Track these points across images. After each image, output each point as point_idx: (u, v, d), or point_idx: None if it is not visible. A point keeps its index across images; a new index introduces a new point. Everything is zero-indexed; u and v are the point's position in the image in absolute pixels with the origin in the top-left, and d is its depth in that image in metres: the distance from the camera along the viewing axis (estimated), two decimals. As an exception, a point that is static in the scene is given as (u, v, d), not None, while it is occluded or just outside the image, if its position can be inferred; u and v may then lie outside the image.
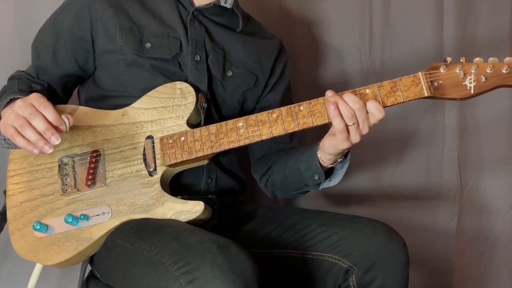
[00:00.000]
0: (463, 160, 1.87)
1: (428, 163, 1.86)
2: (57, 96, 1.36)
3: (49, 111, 1.09)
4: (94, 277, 1.32)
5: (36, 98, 1.11)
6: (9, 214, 1.25)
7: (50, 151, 1.10)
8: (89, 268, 1.32)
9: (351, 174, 1.78)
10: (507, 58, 1.11)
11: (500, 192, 1.89)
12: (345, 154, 1.25)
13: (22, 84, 1.27)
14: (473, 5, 1.88)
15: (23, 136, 1.10)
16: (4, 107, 1.20)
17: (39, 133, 1.09)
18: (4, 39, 1.57)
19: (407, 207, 1.85)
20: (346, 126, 1.13)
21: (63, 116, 1.12)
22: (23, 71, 1.36)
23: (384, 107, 1.13)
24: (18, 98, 1.19)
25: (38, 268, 1.28)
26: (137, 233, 1.15)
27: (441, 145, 1.86)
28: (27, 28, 1.51)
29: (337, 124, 1.13)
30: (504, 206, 1.90)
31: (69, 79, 1.37)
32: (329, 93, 1.14)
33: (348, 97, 1.13)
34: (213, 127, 1.21)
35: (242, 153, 1.49)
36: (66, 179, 1.24)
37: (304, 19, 1.80)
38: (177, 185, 1.28)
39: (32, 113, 1.09)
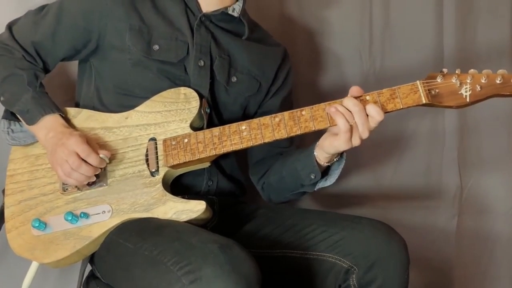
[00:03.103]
0: (463, 160, 1.87)
1: (428, 163, 1.86)
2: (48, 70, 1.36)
3: (93, 159, 1.19)
4: (94, 277, 1.31)
5: (78, 146, 1.19)
6: (7, 212, 1.25)
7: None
8: (88, 268, 1.32)
9: (351, 174, 1.79)
10: (500, 70, 1.17)
11: (500, 192, 1.89)
12: (341, 153, 1.26)
13: (29, 75, 1.27)
14: (473, 7, 1.87)
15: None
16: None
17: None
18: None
19: (407, 207, 1.84)
20: (351, 126, 1.15)
21: (102, 156, 1.21)
22: (16, 41, 1.31)
23: (385, 112, 1.16)
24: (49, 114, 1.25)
25: (34, 266, 1.27)
26: (138, 233, 1.15)
27: (441, 145, 1.86)
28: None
29: (342, 124, 1.14)
30: (504, 206, 1.89)
31: (66, 60, 1.38)
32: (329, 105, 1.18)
33: (348, 100, 1.15)
34: (216, 130, 1.22)
35: (241, 157, 1.50)
36: (67, 178, 1.25)
37: (304, 24, 1.80)
38: (178, 185, 1.28)
39: (80, 166, 1.18)
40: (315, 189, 1.33)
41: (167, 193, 1.21)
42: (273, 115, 1.21)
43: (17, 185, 1.27)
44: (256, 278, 1.00)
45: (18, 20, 1.35)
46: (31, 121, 1.25)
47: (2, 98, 1.28)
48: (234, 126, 1.22)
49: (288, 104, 1.47)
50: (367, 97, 1.17)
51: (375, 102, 1.16)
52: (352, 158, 1.27)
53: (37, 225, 1.20)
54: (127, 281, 1.15)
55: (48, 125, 1.25)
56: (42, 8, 1.34)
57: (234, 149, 1.21)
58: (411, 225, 1.80)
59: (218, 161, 1.35)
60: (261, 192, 1.49)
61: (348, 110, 1.15)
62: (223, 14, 1.33)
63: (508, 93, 1.16)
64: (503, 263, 1.90)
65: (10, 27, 1.34)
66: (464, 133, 1.86)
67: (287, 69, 1.48)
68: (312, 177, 1.28)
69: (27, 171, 1.28)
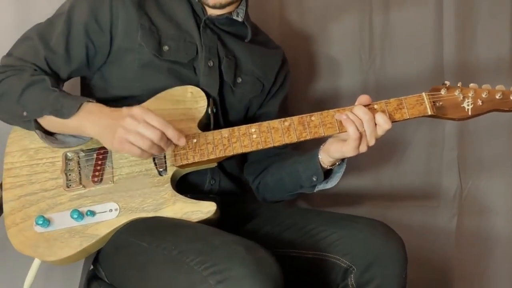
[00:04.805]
0: (462, 160, 1.87)
1: (428, 163, 1.87)
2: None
3: (171, 132, 1.11)
4: (96, 278, 1.29)
5: (153, 118, 1.10)
6: (6, 207, 1.22)
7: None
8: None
9: (351, 174, 1.78)
10: (498, 85, 1.23)
11: (499, 192, 1.90)
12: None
13: (51, 79, 1.21)
14: (472, 8, 1.88)
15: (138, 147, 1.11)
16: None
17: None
18: (4, 39, 1.54)
19: (407, 207, 1.85)
20: (361, 134, 1.17)
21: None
22: (24, 60, 1.25)
23: (392, 122, 1.20)
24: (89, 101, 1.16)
25: (36, 263, 1.24)
26: (151, 232, 1.14)
27: (441, 145, 1.87)
28: (27, 28, 1.49)
29: (352, 132, 1.17)
30: (504, 206, 1.90)
31: (74, 74, 1.33)
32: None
33: (358, 109, 1.19)
34: (225, 131, 1.23)
35: (241, 158, 1.49)
36: (70, 174, 1.23)
37: (305, 27, 1.82)
38: (181, 184, 1.28)
39: (162, 139, 1.10)
40: (314, 191, 1.35)
41: (176, 193, 1.20)
42: (283, 119, 1.22)
43: (16, 179, 1.23)
44: (281, 280, 1.01)
45: (15, 46, 1.29)
46: (69, 112, 1.14)
47: (25, 113, 1.18)
48: (243, 128, 1.22)
49: (283, 108, 1.50)
50: (375, 106, 1.21)
51: (383, 111, 1.20)
52: (352, 158, 1.27)
53: (41, 222, 1.17)
54: (140, 281, 1.13)
55: (92, 109, 1.15)
56: (45, 24, 1.29)
57: (244, 151, 1.22)
58: (411, 225, 1.81)
59: (220, 161, 1.34)
60: (255, 191, 1.50)
61: (358, 118, 1.18)
62: (227, 19, 1.35)
63: (507, 109, 1.22)
64: (503, 263, 1.91)
65: (10, 54, 1.28)
66: (464, 133, 1.87)
67: (286, 72, 1.51)
68: (314, 179, 1.30)
69: (26, 165, 1.24)
